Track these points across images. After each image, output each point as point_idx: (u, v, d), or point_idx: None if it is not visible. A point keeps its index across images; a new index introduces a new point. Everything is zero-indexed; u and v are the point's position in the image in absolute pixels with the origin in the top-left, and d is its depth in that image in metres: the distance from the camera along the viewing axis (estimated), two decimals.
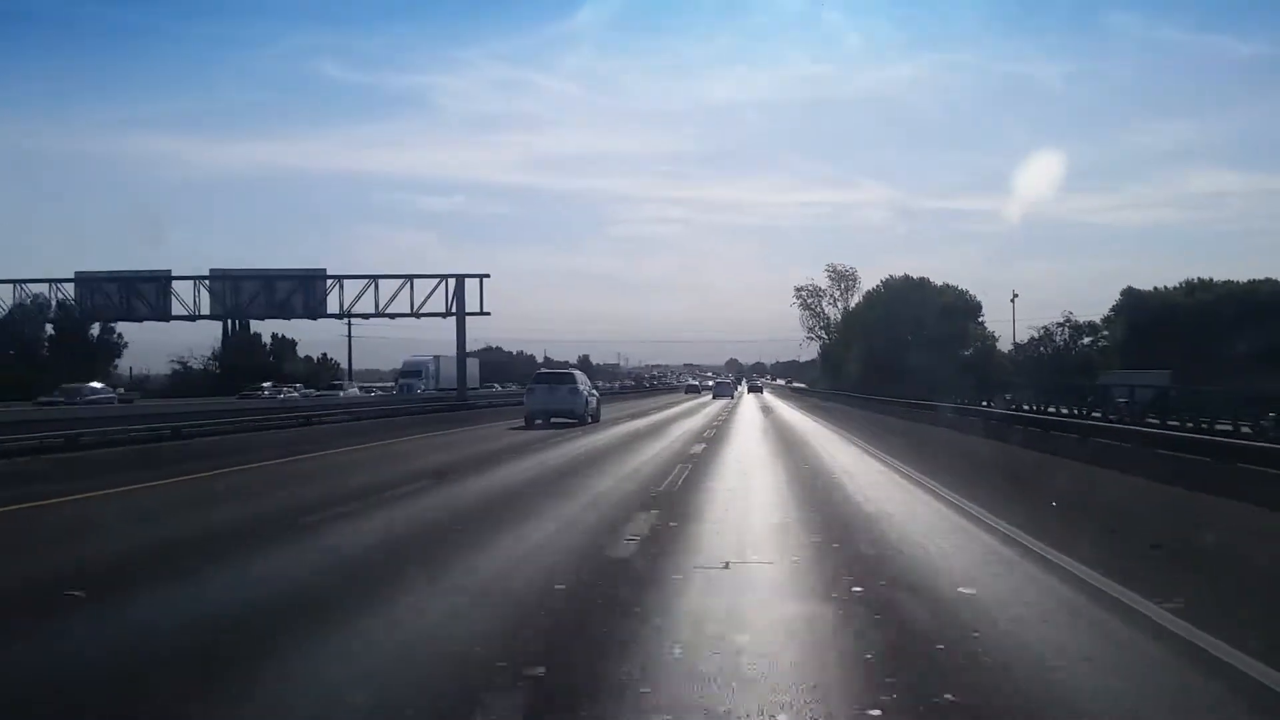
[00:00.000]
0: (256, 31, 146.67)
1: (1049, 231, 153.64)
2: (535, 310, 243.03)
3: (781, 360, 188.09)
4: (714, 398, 62.74)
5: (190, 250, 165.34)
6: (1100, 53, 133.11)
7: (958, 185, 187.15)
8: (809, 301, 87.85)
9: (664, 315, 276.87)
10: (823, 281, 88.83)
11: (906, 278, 75.95)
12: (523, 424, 24.96)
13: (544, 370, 32.64)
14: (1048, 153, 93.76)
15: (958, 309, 71.00)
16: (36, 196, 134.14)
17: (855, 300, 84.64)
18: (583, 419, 25.44)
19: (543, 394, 25.80)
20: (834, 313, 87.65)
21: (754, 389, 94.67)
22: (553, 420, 24.75)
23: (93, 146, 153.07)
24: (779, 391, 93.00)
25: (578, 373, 28.68)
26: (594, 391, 29.02)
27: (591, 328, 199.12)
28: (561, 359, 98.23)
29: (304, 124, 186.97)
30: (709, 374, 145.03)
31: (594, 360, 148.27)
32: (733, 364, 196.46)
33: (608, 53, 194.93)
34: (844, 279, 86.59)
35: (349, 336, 69.90)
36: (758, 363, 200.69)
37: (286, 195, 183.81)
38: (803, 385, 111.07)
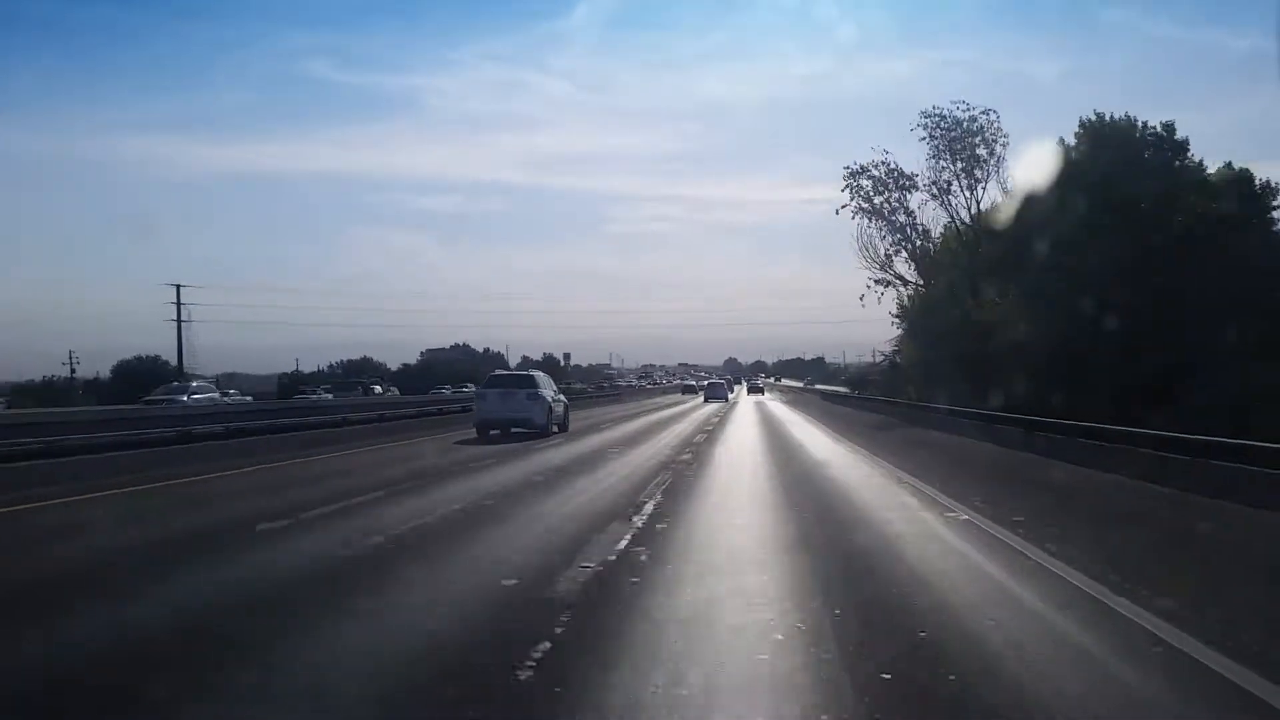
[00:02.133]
0: (247, 33, 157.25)
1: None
2: (531, 310, 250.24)
3: (785, 358, 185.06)
4: (706, 400, 60.02)
5: (183, 253, 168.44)
6: (1095, 48, 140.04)
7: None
8: (878, 202, 38.46)
9: (661, 314, 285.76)
10: (906, 156, 44.06)
11: (1132, 122, 33.34)
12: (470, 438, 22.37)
13: (499, 372, 30.40)
14: (1044, 148, 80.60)
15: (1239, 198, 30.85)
16: (26, 198, 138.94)
17: (996, 194, 36.48)
18: (545, 429, 23.44)
19: (495, 400, 23.81)
20: (938, 221, 38.38)
21: (754, 389, 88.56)
22: (513, 431, 23.03)
23: (82, 148, 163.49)
24: (805, 407, 50.60)
25: (539, 375, 26.53)
26: (560, 397, 26.98)
27: (587, 327, 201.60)
28: (538, 359, 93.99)
29: (296, 125, 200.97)
30: (703, 374, 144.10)
31: (588, 360, 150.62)
32: (731, 363, 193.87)
33: (602, 51, 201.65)
34: (963, 143, 36.13)
35: None
36: (758, 361, 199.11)
37: (279, 197, 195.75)
38: (841, 389, 72.24)
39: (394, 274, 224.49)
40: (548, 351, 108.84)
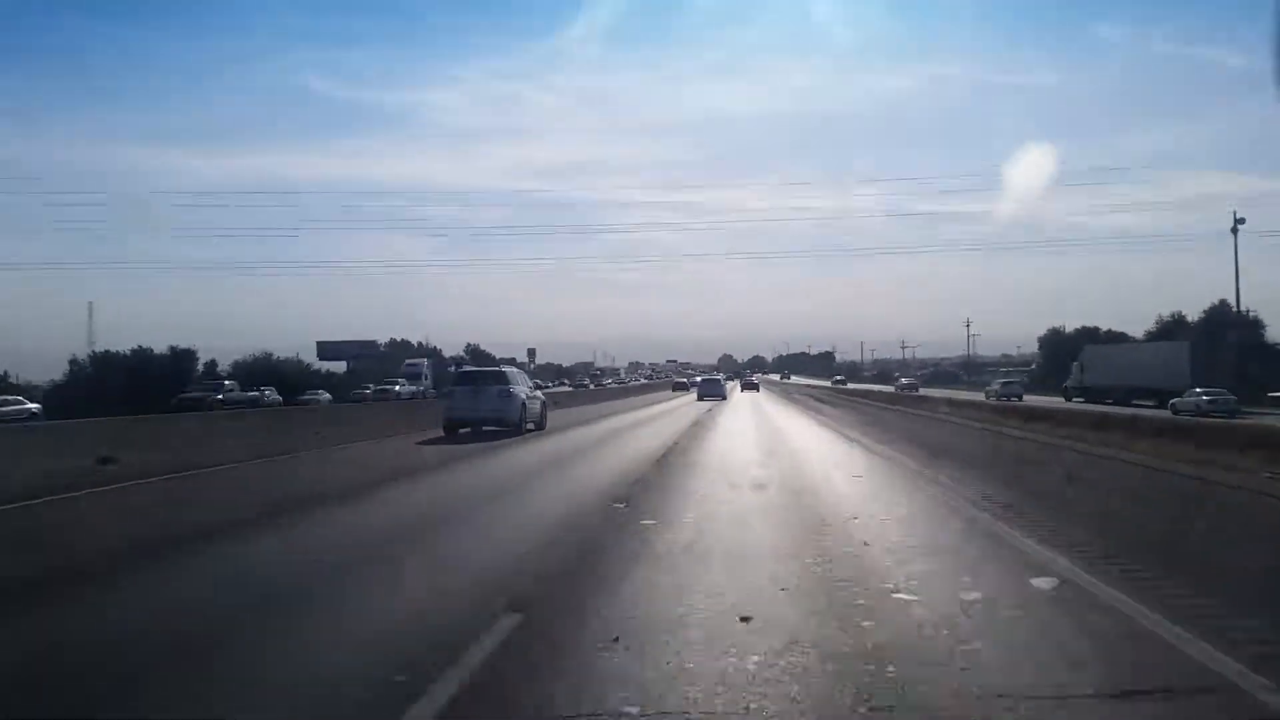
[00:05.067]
0: (249, 48, 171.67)
1: (1040, 234, 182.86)
2: (530, 315, 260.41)
3: (786, 354, 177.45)
4: (700, 397, 56.49)
5: (185, 259, 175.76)
6: (1090, 64, 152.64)
7: (950, 190, 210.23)
8: None
9: (658, 318, 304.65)
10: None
11: None
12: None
13: (468, 368, 32.06)
14: (1038, 157, 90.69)
15: None
16: (28, 205, 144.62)
17: None
18: (518, 427, 23.76)
19: (465, 397, 24.41)
20: None
21: (748, 386, 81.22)
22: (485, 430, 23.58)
23: (87, 157, 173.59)
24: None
25: (511, 370, 27.64)
26: (537, 394, 27.64)
27: (584, 331, 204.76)
28: (519, 358, 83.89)
29: (296, 140, 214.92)
30: (690, 370, 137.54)
31: (573, 359, 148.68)
32: (726, 360, 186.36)
33: (601, 67, 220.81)
34: None
35: None
36: (755, 357, 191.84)
37: (279, 206, 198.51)
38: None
39: (389, 279, 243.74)
40: (473, 343, 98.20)
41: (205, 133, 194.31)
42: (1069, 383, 59.06)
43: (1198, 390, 40.11)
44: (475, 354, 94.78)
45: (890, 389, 69.71)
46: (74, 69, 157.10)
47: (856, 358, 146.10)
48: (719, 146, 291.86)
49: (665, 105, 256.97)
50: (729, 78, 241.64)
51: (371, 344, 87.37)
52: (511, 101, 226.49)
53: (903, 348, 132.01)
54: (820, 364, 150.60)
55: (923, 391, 65.24)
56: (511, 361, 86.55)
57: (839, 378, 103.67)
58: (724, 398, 56.45)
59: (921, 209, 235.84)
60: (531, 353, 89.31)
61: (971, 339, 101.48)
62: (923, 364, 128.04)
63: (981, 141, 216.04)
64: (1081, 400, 51.29)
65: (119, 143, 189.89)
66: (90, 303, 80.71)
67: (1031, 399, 51.25)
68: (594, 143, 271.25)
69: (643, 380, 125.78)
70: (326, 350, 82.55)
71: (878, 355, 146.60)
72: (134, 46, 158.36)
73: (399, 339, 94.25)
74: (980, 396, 53.45)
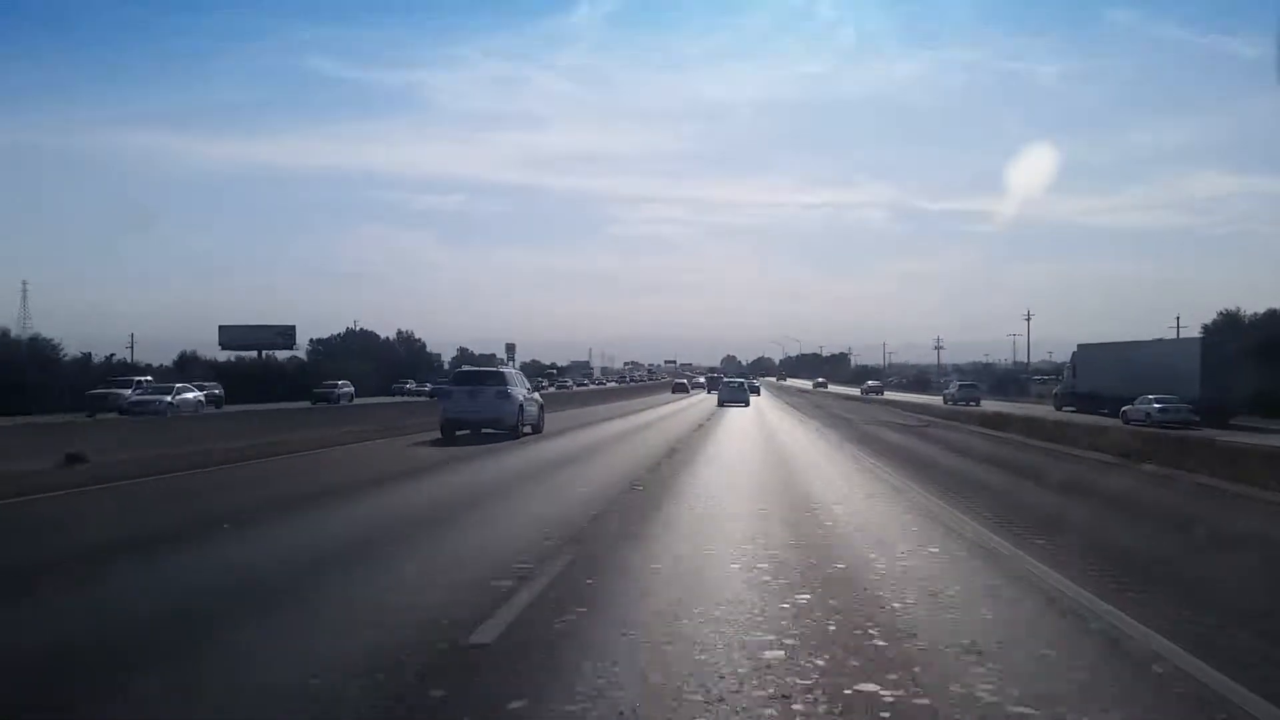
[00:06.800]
0: (248, 27, 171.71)
1: (1048, 232, 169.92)
2: (528, 309, 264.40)
3: (799, 354, 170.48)
4: (720, 404, 51.18)
5: (183, 247, 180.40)
6: (1097, 51, 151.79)
7: (957, 185, 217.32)
8: None
9: (660, 314, 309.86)
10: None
11: None
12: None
13: (466, 368, 32.84)
14: (1046, 153, 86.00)
15: None
16: (27, 191, 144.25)
17: None
18: (515, 430, 23.86)
19: (462, 399, 24.68)
20: None
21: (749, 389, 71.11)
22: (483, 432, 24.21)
23: (84, 141, 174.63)
24: None
25: (509, 371, 28.42)
26: (534, 395, 27.59)
27: (586, 327, 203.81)
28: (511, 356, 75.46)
29: (298, 120, 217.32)
30: (688, 371, 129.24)
31: (569, 357, 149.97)
32: (730, 361, 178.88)
33: (605, 50, 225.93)
34: None
35: None
36: (760, 358, 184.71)
37: (281, 192, 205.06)
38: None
39: (394, 272, 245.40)
40: (405, 330, 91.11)
41: (197, 114, 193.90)
42: (1059, 389, 55.14)
43: (1150, 398, 38.04)
44: (407, 342, 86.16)
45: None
46: (62, 47, 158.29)
47: (877, 360, 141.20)
48: (723, 136, 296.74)
49: (671, 91, 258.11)
50: (732, 63, 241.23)
51: (288, 330, 75.62)
52: (514, 85, 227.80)
53: (936, 350, 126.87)
54: (832, 367, 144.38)
55: (887, 395, 77.74)
56: (491, 359, 77.68)
57: (820, 380, 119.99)
58: (747, 404, 51.46)
59: (936, 207, 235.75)
60: (510, 348, 79.64)
61: (1014, 341, 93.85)
62: (943, 370, 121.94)
63: (990, 131, 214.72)
64: (1072, 410, 46.60)
65: (108, 124, 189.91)
66: (24, 282, 72.21)
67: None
68: (598, 131, 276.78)
69: (612, 383, 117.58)
70: (231, 337, 72.17)
71: (901, 358, 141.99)
72: (122, 21, 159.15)
73: (356, 328, 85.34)
74: (939, 400, 60.21)
